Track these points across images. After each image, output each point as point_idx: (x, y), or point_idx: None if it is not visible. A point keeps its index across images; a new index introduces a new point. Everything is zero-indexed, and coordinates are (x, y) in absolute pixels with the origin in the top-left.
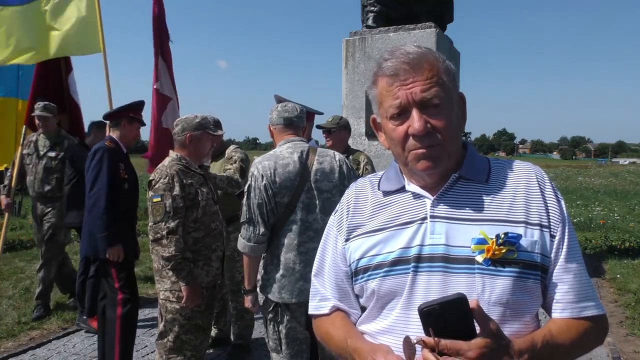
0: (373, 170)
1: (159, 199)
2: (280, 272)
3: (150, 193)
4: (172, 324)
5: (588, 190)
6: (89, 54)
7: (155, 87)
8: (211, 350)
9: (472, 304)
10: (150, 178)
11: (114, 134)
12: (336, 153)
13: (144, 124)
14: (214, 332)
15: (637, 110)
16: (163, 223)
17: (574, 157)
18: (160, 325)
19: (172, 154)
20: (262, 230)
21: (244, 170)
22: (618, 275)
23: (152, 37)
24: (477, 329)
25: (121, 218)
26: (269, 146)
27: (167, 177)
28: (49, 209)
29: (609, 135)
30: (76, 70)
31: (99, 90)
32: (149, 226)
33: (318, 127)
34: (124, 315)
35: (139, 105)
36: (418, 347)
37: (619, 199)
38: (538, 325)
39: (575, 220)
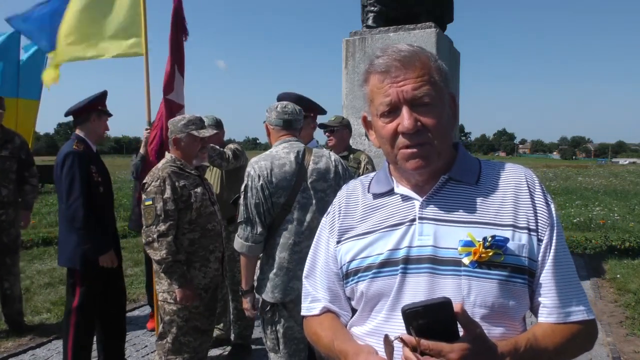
0: (373, 170)
1: (151, 202)
2: (274, 270)
3: (144, 196)
4: (170, 325)
5: (588, 190)
6: (132, 56)
7: (168, 97)
8: (211, 351)
9: (456, 308)
10: (144, 181)
11: (81, 131)
12: (332, 153)
13: (110, 115)
14: (214, 332)
15: (637, 110)
16: (154, 226)
17: (574, 157)
18: (159, 327)
19: (167, 155)
20: (259, 230)
21: (236, 154)
22: (618, 275)
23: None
24: (461, 332)
25: (102, 222)
26: (269, 146)
27: (159, 180)
28: (9, 216)
29: (609, 135)
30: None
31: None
32: (142, 229)
33: (321, 126)
34: (77, 324)
35: (105, 96)
36: (397, 345)
37: (619, 199)
38: (525, 329)
39: (575, 220)
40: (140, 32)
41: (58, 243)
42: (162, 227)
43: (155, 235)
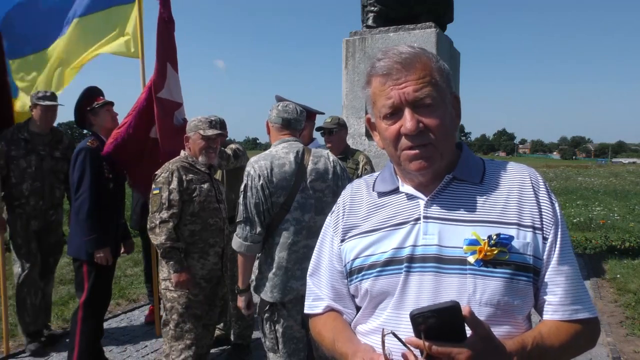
0: (372, 170)
1: (157, 191)
2: (273, 270)
3: (152, 186)
4: (171, 312)
5: (588, 190)
6: (127, 57)
7: (158, 95)
8: (211, 350)
9: (464, 310)
10: (155, 172)
11: (94, 129)
12: (330, 154)
13: (111, 103)
14: (215, 332)
15: (637, 110)
16: (157, 213)
17: (574, 157)
18: (163, 315)
19: (182, 152)
20: (258, 229)
21: (237, 154)
22: (618, 275)
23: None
24: (468, 332)
25: (106, 219)
26: (269, 146)
27: (168, 172)
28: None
29: (609, 135)
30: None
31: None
32: (148, 216)
33: (318, 129)
34: (84, 319)
35: (89, 94)
36: (390, 342)
37: (619, 199)
38: (530, 326)
39: (575, 220)
40: (135, 33)
41: (68, 235)
42: (165, 215)
43: (157, 222)
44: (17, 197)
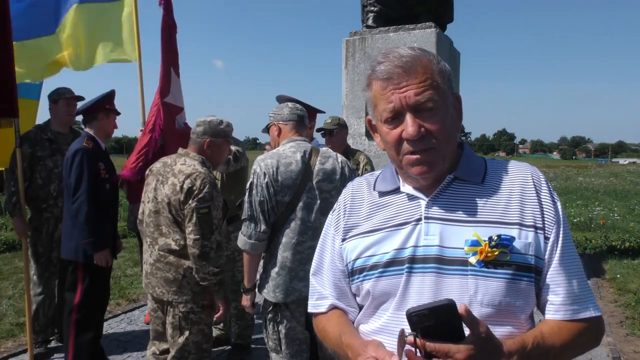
0: (372, 170)
1: (207, 209)
2: (276, 270)
3: (194, 202)
4: (196, 335)
5: (588, 190)
6: (125, 62)
7: (165, 100)
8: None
9: (460, 309)
10: (189, 185)
11: (90, 129)
12: (339, 155)
13: (119, 114)
14: (214, 332)
15: (637, 110)
16: (212, 236)
17: (574, 157)
18: (180, 339)
19: (197, 156)
20: (263, 227)
21: (237, 156)
22: (618, 275)
23: (151, 43)
24: (467, 332)
25: (104, 220)
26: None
27: (209, 186)
28: None
29: (609, 135)
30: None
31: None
32: (192, 239)
33: (318, 130)
34: (78, 321)
35: (112, 95)
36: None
37: (619, 199)
38: (532, 326)
39: (575, 220)
40: (132, 38)
41: (61, 237)
42: (218, 237)
43: (214, 246)
44: (44, 199)
